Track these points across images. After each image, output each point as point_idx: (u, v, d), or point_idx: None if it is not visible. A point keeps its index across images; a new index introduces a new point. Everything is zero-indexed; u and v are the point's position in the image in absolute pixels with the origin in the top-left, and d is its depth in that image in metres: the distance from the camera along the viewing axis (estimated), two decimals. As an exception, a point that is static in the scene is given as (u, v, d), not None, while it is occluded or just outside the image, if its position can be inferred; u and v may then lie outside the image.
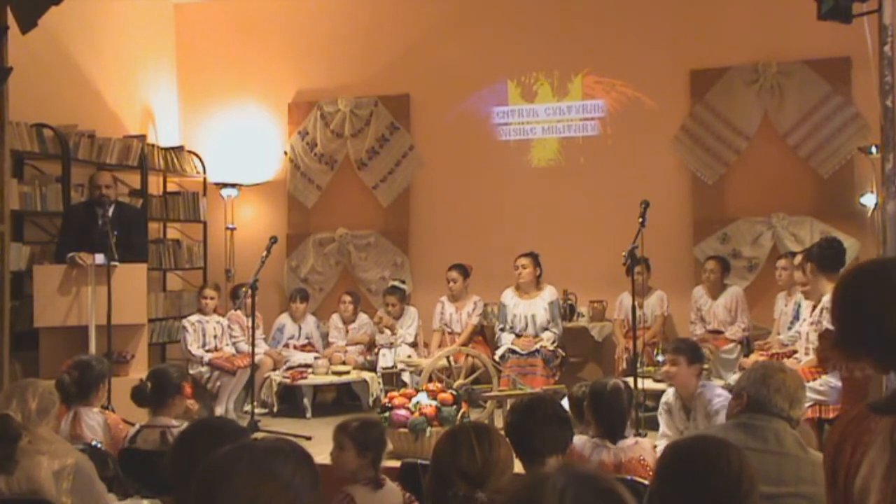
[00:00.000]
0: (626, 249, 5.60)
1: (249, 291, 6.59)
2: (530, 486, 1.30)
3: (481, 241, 8.00)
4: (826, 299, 5.31)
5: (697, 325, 7.14)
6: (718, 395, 4.42)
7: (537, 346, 6.85)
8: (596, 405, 3.61)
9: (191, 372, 6.86)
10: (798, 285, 6.17)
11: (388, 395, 6.12)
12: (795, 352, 5.86)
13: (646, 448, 3.56)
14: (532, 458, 2.95)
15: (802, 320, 6.02)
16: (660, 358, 6.01)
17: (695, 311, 7.17)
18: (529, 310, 7.06)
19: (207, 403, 6.84)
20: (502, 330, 7.14)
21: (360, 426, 3.29)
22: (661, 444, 4.08)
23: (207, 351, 7.13)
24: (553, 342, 6.92)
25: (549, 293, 7.12)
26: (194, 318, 7.23)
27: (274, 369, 7.25)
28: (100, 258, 5.95)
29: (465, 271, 7.43)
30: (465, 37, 8.22)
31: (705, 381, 4.66)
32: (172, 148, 8.39)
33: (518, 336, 7.02)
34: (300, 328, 7.80)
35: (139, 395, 3.97)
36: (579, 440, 3.53)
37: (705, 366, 6.38)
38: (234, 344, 7.38)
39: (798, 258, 5.92)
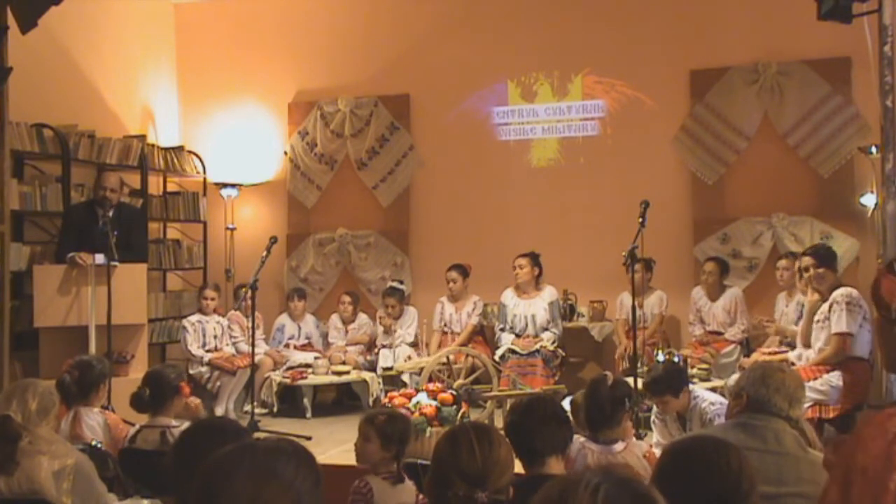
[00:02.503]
0: (626, 249, 5.60)
1: (249, 292, 6.59)
2: (563, 483, 1.30)
3: (481, 241, 8.00)
4: (838, 293, 5.29)
5: (697, 326, 7.13)
6: (713, 402, 4.38)
7: (537, 346, 6.85)
8: (582, 397, 3.61)
9: (191, 372, 6.88)
10: (802, 290, 6.13)
11: (388, 395, 6.13)
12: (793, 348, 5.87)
13: (636, 454, 3.49)
14: (532, 458, 2.95)
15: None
16: (660, 357, 6.01)
17: (694, 311, 7.16)
18: (529, 310, 7.06)
19: (207, 404, 6.85)
20: (502, 330, 7.14)
21: (387, 420, 3.31)
22: (656, 453, 4.05)
23: (207, 351, 7.13)
24: (553, 342, 6.92)
25: (548, 293, 7.12)
26: (194, 318, 7.23)
27: (274, 369, 7.24)
28: (100, 258, 5.95)
29: (464, 271, 7.43)
30: (465, 37, 8.22)
31: (697, 391, 4.60)
32: (172, 148, 8.39)
33: (518, 336, 7.02)
34: (300, 328, 7.80)
35: (138, 402, 3.96)
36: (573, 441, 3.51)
37: (704, 365, 6.40)
38: (234, 344, 7.38)
39: (807, 262, 5.79)
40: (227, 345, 7.33)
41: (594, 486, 1.27)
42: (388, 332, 7.52)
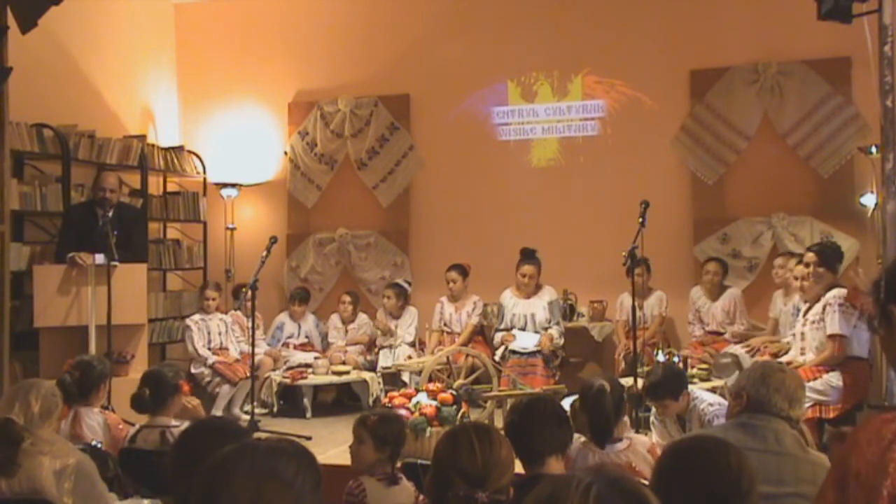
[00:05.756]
0: (626, 249, 5.60)
1: (249, 292, 6.58)
2: (555, 483, 1.30)
3: (481, 241, 8.00)
4: (831, 295, 5.29)
5: (696, 327, 7.12)
6: (711, 403, 4.38)
7: (536, 346, 6.86)
8: (582, 406, 3.58)
9: (192, 371, 6.87)
10: (798, 289, 6.13)
11: (388, 395, 6.13)
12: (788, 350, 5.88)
13: (639, 452, 3.48)
14: (532, 458, 2.95)
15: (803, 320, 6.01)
16: (660, 357, 6.01)
17: (693, 311, 7.15)
18: (529, 308, 7.06)
19: (207, 405, 6.84)
20: (498, 330, 7.12)
21: (379, 420, 3.31)
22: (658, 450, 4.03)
23: (212, 350, 7.10)
24: (560, 335, 6.96)
25: (548, 293, 7.12)
26: (196, 317, 7.22)
27: (274, 369, 7.24)
28: (100, 258, 5.94)
29: (464, 271, 7.43)
30: (465, 37, 8.22)
31: (696, 392, 4.58)
32: (172, 148, 8.39)
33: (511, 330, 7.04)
34: (300, 326, 7.80)
35: (139, 403, 3.97)
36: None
37: (704, 365, 6.40)
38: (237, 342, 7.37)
39: (809, 257, 5.76)
40: (232, 342, 7.30)
41: (586, 486, 1.26)
42: (386, 333, 7.51)
